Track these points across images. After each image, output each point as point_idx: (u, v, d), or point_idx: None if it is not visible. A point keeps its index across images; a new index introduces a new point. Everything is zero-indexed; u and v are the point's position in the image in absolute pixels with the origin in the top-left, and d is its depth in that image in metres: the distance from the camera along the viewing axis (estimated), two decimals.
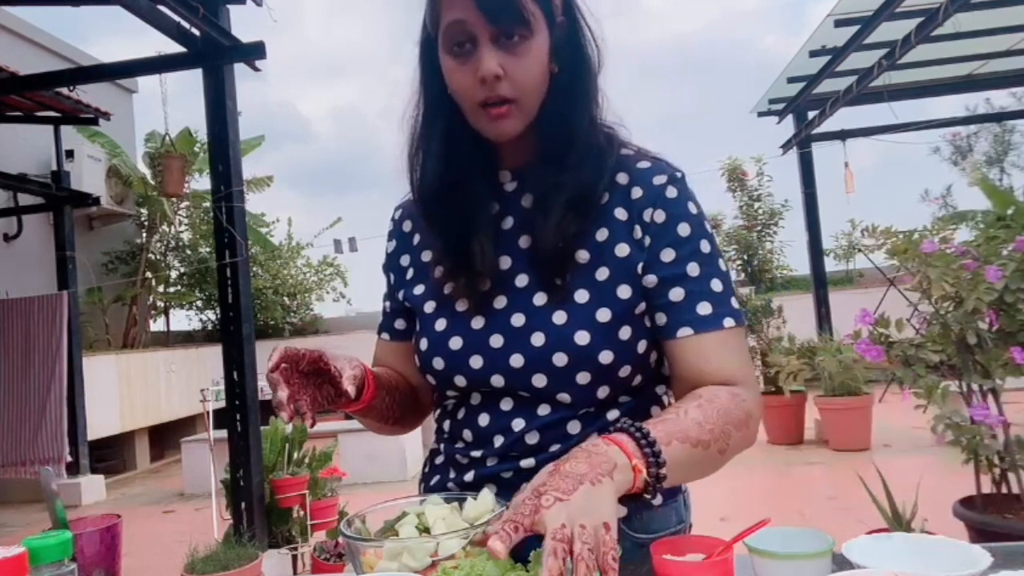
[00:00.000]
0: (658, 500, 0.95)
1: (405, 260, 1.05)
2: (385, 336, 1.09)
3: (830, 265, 7.75)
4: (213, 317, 10.16)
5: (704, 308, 0.88)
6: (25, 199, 6.76)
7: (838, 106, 6.48)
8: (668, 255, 0.89)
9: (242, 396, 3.72)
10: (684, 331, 0.88)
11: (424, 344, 0.97)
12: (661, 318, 0.90)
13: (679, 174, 0.94)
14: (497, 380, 0.92)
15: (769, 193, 8.10)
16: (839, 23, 5.50)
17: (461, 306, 0.95)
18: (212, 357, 8.29)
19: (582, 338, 0.87)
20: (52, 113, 5.80)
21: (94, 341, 8.09)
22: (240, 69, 3.94)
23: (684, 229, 0.90)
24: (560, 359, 0.88)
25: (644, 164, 0.94)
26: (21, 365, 5.83)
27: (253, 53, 3.78)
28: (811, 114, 7.12)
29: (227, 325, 3.79)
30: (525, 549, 0.79)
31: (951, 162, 21.40)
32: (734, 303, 0.90)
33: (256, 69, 3.91)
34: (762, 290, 7.81)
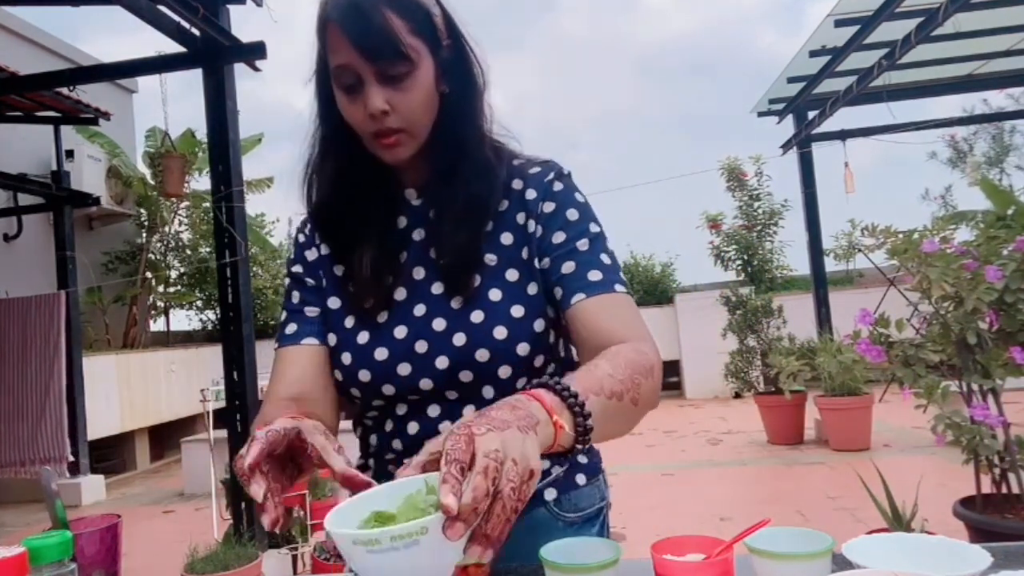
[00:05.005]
0: (582, 479, 1.03)
1: (321, 270, 1.06)
2: (312, 341, 1.00)
3: (830, 265, 7.75)
4: (213, 317, 10.16)
5: (595, 275, 0.93)
6: (25, 199, 6.76)
7: (838, 106, 6.48)
8: (559, 237, 0.96)
9: (242, 396, 3.72)
10: (578, 296, 0.92)
11: (347, 358, 0.98)
12: (558, 292, 0.94)
13: (566, 171, 1.02)
14: (426, 383, 0.95)
15: (769, 193, 8.11)
16: (839, 23, 5.50)
17: (381, 317, 0.98)
18: (212, 357, 8.29)
19: (500, 333, 0.93)
20: (52, 113, 5.80)
21: (94, 341, 8.09)
22: (240, 68, 3.95)
23: (572, 214, 0.98)
24: (482, 355, 0.93)
25: (535, 169, 1.01)
26: (19, 365, 5.82)
27: (253, 53, 3.78)
28: (811, 114, 7.12)
29: (227, 325, 3.79)
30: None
31: (950, 164, 21.40)
32: (623, 276, 0.96)
33: (256, 69, 3.91)
34: (762, 290, 7.81)
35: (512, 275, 0.96)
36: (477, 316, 0.94)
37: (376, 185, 1.01)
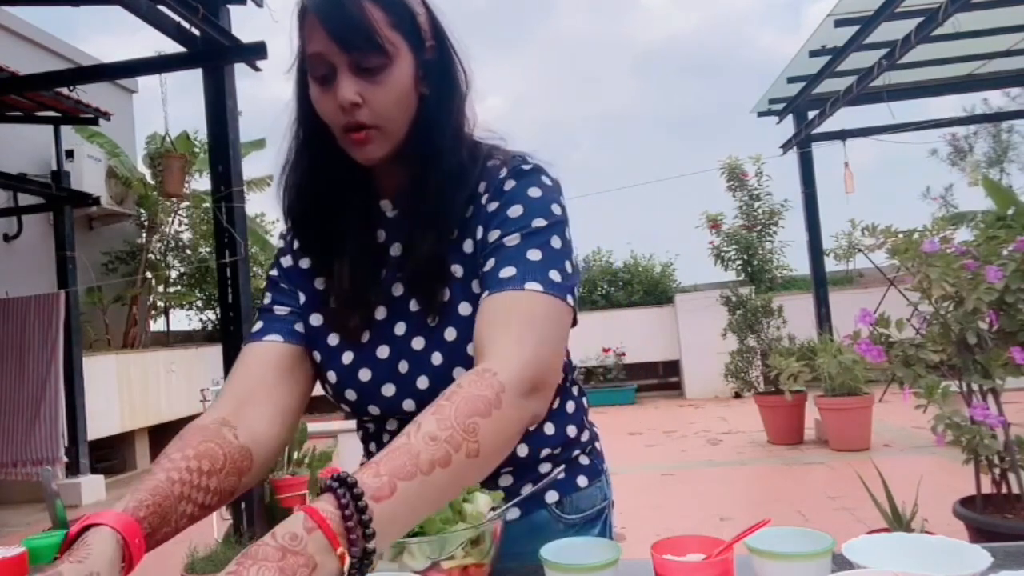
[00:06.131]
0: (584, 481, 1.02)
1: (298, 282, 1.02)
2: (275, 338, 0.96)
3: (830, 265, 7.75)
4: (213, 317, 10.16)
5: (507, 272, 0.84)
6: (25, 199, 6.76)
7: (838, 106, 6.48)
8: (493, 235, 0.89)
9: None
10: (484, 294, 0.84)
11: (333, 377, 0.97)
12: (480, 289, 0.88)
13: (527, 167, 0.93)
14: (409, 404, 0.94)
15: (769, 193, 8.12)
16: (839, 23, 5.50)
17: (363, 337, 0.96)
18: (212, 357, 8.29)
19: (472, 349, 0.87)
20: (52, 113, 5.80)
21: (94, 341, 8.09)
22: (240, 68, 3.95)
23: (515, 211, 0.89)
24: (459, 373, 0.90)
25: (503, 171, 0.93)
26: (16, 365, 5.82)
27: (253, 53, 3.78)
28: (811, 114, 7.12)
29: (227, 325, 3.79)
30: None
31: (950, 162, 21.42)
32: (554, 276, 0.83)
33: (257, 69, 3.91)
34: (762, 290, 7.81)
35: (476, 286, 0.92)
36: (450, 333, 0.92)
37: (352, 193, 0.98)
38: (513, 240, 0.86)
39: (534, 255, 0.85)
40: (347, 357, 0.96)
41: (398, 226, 0.98)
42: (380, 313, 0.97)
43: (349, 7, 0.84)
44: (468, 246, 0.93)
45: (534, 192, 0.91)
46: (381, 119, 0.88)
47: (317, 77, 0.88)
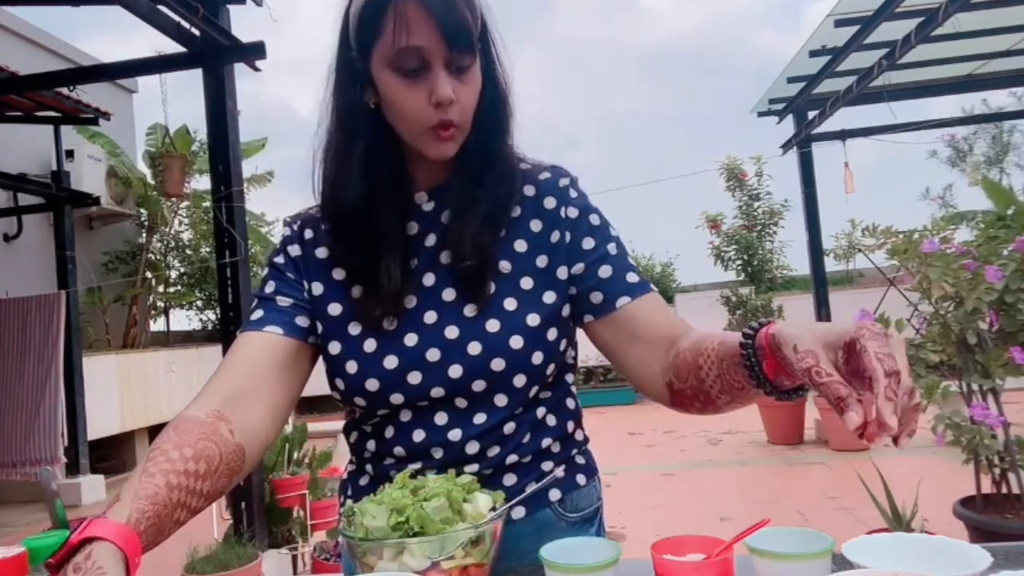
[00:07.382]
0: (582, 480, 1.04)
1: (310, 272, 1.00)
2: (275, 330, 0.95)
3: (830, 265, 7.74)
4: (213, 317, 10.16)
5: (632, 278, 0.97)
6: (25, 199, 6.76)
7: (838, 106, 6.48)
8: (589, 243, 0.98)
9: None
10: (623, 300, 0.95)
11: (353, 367, 0.94)
12: (597, 296, 0.96)
13: (573, 176, 1.03)
14: (437, 392, 0.93)
15: (768, 193, 8.13)
16: (839, 23, 5.50)
17: (389, 324, 0.95)
18: (212, 357, 8.29)
19: (516, 342, 0.92)
20: (52, 113, 5.80)
21: (94, 341, 8.09)
22: (239, 68, 3.95)
23: (595, 219, 1.00)
24: (498, 364, 0.92)
25: (545, 175, 1.01)
26: (16, 365, 5.81)
27: (253, 53, 3.77)
28: (811, 114, 7.12)
29: (227, 325, 3.79)
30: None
31: (950, 163, 21.43)
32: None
33: (256, 69, 3.91)
34: (762, 290, 7.82)
35: (527, 283, 0.95)
36: (493, 325, 0.92)
37: (392, 186, 0.97)
38: (613, 249, 0.99)
39: (632, 262, 1.00)
40: (370, 345, 0.95)
41: (434, 217, 0.99)
42: (409, 302, 0.96)
43: (459, 6, 0.86)
44: (520, 245, 0.97)
45: (593, 202, 1.02)
46: (464, 117, 0.91)
47: (406, 70, 0.88)
